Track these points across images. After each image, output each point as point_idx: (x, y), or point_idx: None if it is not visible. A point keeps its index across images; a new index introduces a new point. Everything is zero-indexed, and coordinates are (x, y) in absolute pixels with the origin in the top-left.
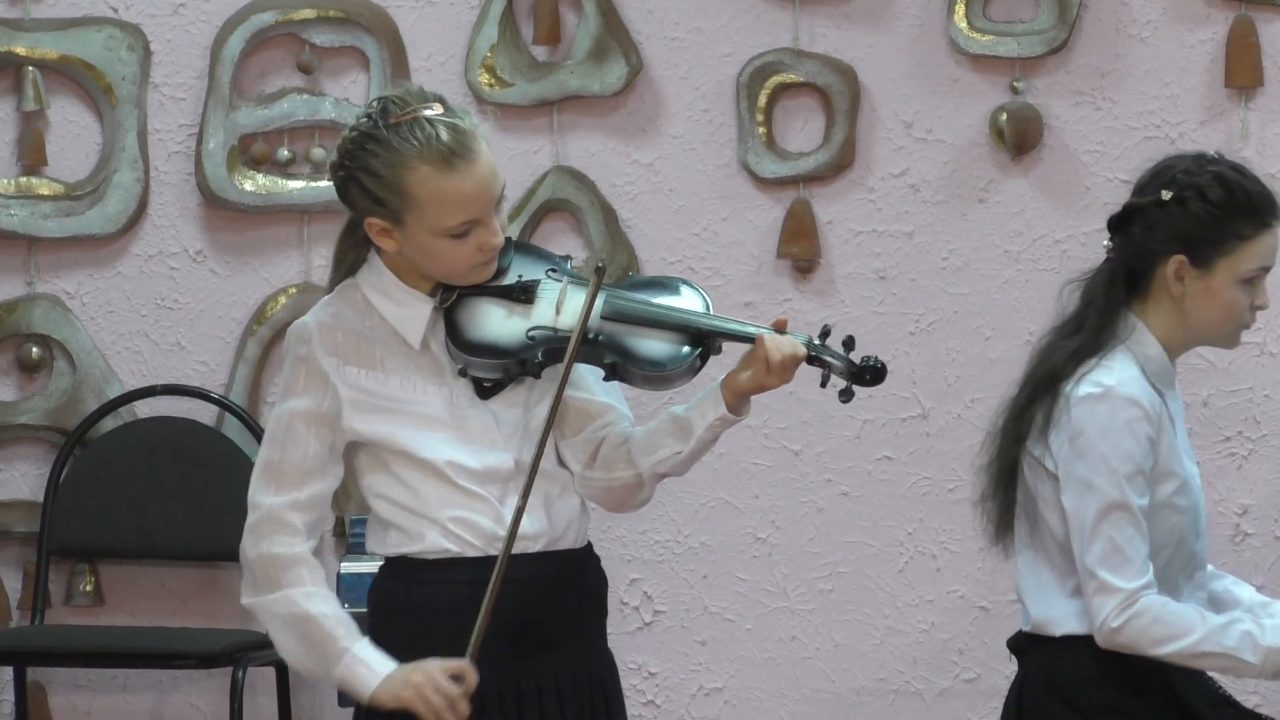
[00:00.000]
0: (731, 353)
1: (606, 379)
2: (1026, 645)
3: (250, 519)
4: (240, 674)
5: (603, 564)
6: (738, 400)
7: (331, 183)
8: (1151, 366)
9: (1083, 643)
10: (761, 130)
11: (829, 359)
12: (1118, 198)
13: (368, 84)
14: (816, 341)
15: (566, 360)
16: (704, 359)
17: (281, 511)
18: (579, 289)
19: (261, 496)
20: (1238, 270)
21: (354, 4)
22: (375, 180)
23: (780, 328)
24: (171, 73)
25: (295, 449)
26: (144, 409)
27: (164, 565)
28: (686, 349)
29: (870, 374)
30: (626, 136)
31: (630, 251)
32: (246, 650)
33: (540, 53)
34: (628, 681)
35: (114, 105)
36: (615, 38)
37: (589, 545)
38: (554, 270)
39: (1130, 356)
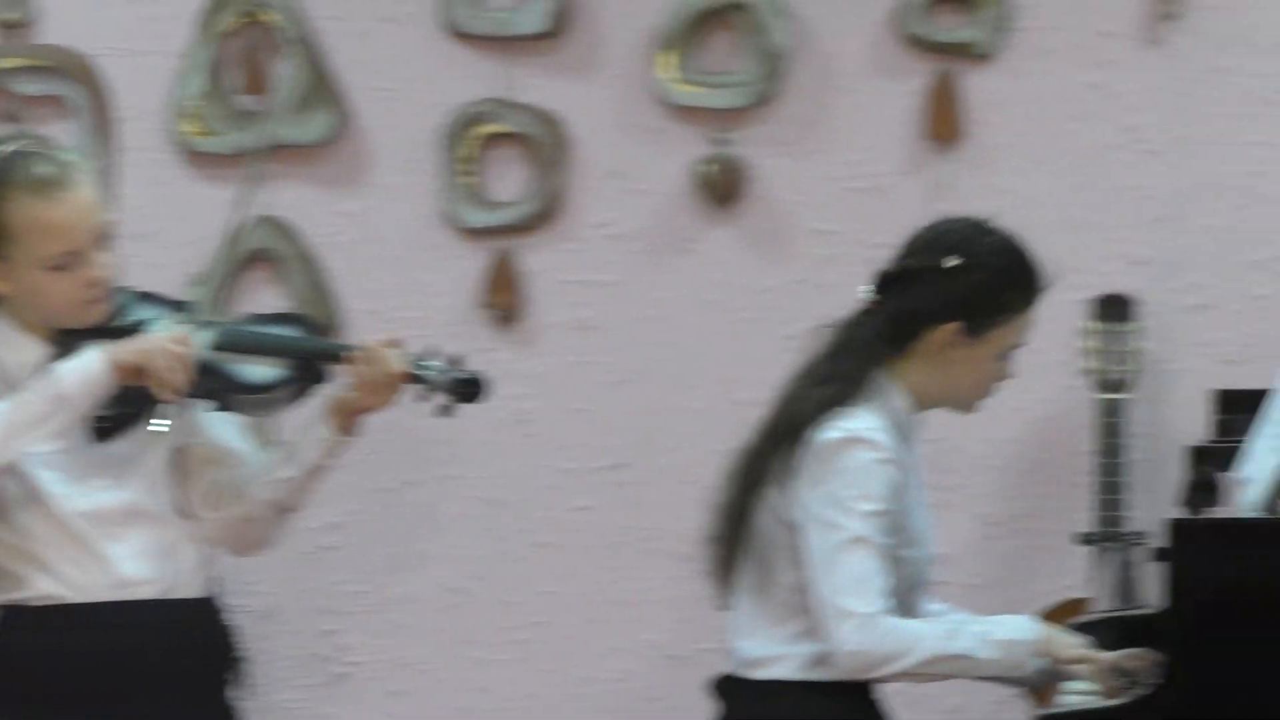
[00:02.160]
0: None
1: (217, 409)
2: (730, 688)
3: None
4: None
5: (295, 614)
6: (345, 420)
7: None
8: (897, 418)
9: (791, 688)
10: (468, 180)
11: (428, 375)
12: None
13: (72, 133)
14: (421, 359)
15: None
16: (312, 383)
17: None
18: (188, 327)
19: None
20: (1004, 343)
21: (59, 53)
22: None
23: (390, 345)
24: None
25: None
26: None
27: None
28: (289, 373)
29: (471, 389)
30: (333, 186)
31: (334, 301)
32: None
33: (247, 102)
34: None
35: None
36: (322, 87)
37: (213, 596)
38: (167, 314)
39: (878, 410)
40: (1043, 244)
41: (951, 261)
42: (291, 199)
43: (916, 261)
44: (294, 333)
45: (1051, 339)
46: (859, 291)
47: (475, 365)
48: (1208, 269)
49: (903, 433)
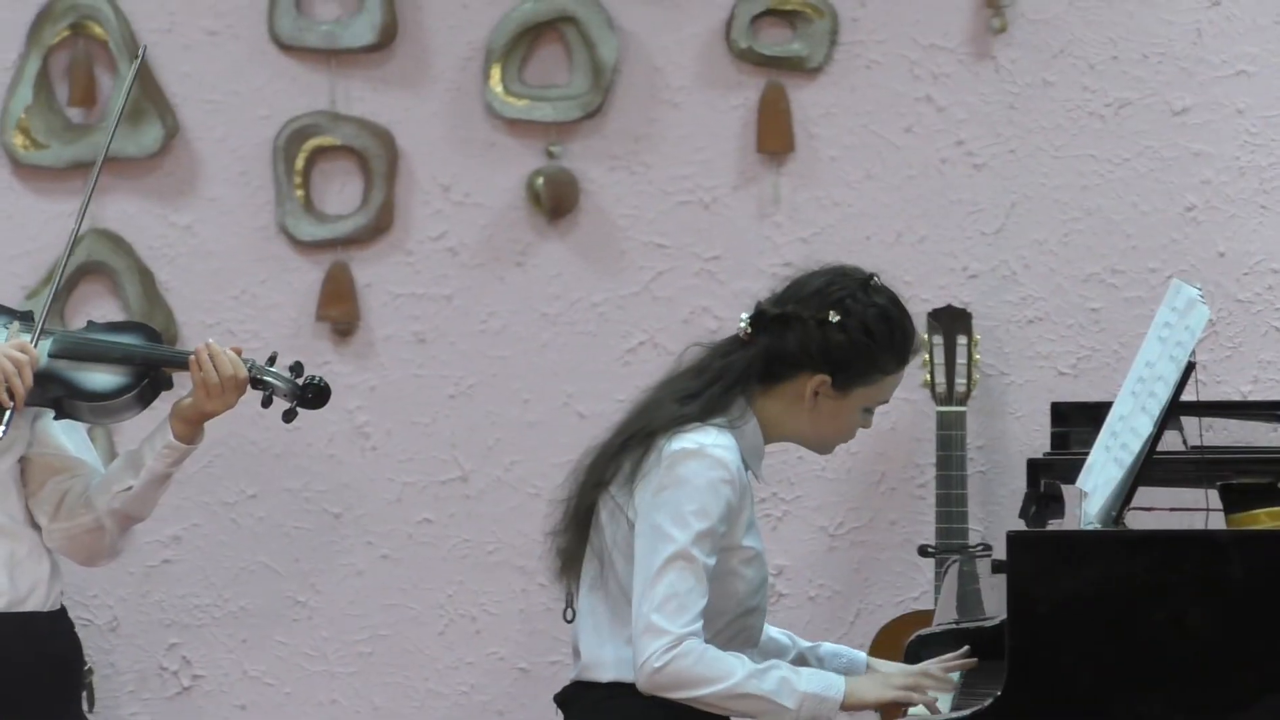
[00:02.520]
0: None
1: (57, 416)
2: (573, 695)
3: None
4: None
5: (139, 627)
6: (187, 428)
7: None
8: (747, 446)
9: (628, 690)
10: (299, 193)
11: (271, 380)
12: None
13: None
14: (262, 364)
15: None
16: (154, 390)
17: None
18: (28, 334)
19: None
20: (868, 399)
21: None
22: None
23: (234, 350)
24: None
25: None
26: None
27: None
28: (130, 380)
29: (313, 393)
30: (164, 199)
31: (168, 314)
32: None
33: (76, 115)
34: None
35: None
36: (151, 100)
37: (61, 609)
38: (9, 321)
39: (730, 434)
40: (877, 257)
41: (834, 317)
42: (122, 211)
43: (798, 309)
44: (135, 340)
45: None
46: (739, 319)
47: (319, 377)
48: (1041, 282)
49: (752, 456)
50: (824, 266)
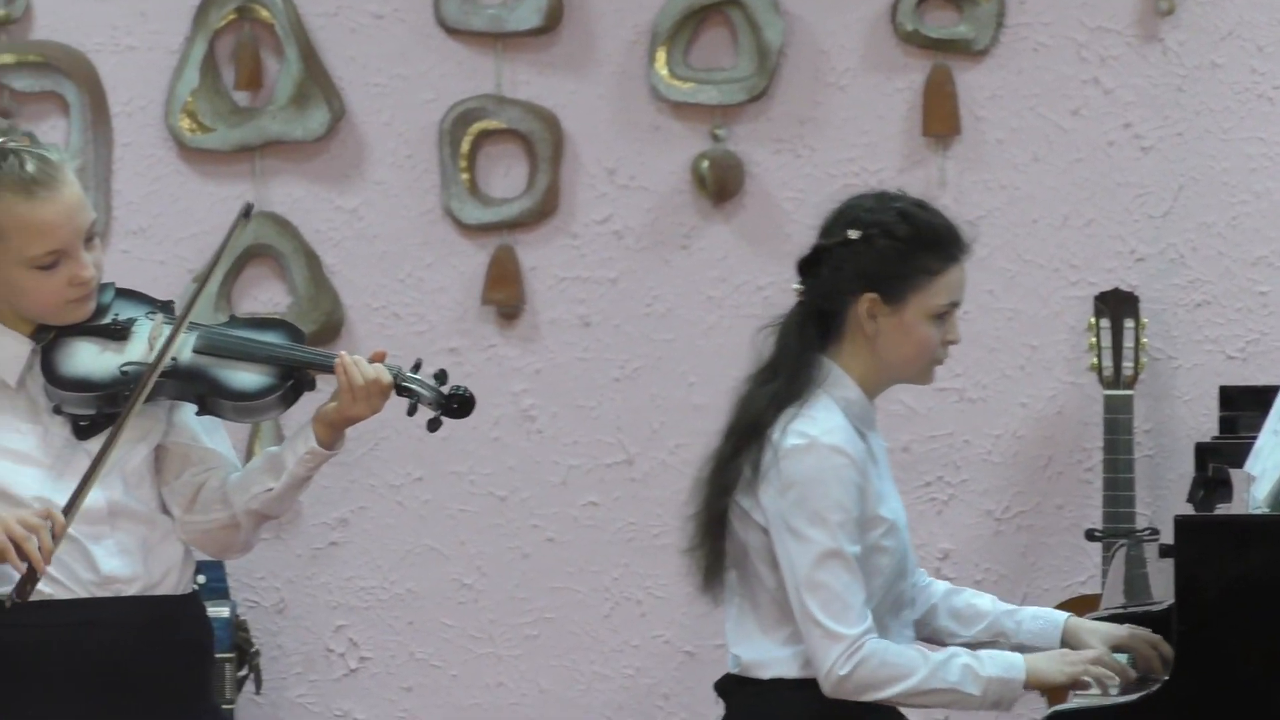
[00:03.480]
0: None
1: (199, 413)
2: (733, 687)
3: None
4: None
5: (307, 610)
6: (329, 433)
7: None
8: (852, 410)
9: (790, 685)
10: (465, 176)
11: (416, 388)
12: None
13: (68, 129)
14: (407, 372)
15: (138, 390)
16: (296, 392)
17: None
18: (169, 326)
19: None
20: (928, 306)
21: (53, 49)
22: None
23: (377, 359)
24: None
25: None
26: None
27: None
28: (274, 380)
29: (458, 403)
30: (329, 182)
31: (334, 298)
32: None
33: (242, 98)
34: None
35: None
36: (317, 83)
37: (193, 593)
38: (153, 312)
39: (831, 401)
40: (1044, 240)
41: (853, 234)
42: (289, 195)
43: (824, 240)
44: (279, 339)
45: (1056, 336)
46: (793, 286)
47: (479, 362)
48: (1209, 265)
49: (862, 422)
50: (846, 197)
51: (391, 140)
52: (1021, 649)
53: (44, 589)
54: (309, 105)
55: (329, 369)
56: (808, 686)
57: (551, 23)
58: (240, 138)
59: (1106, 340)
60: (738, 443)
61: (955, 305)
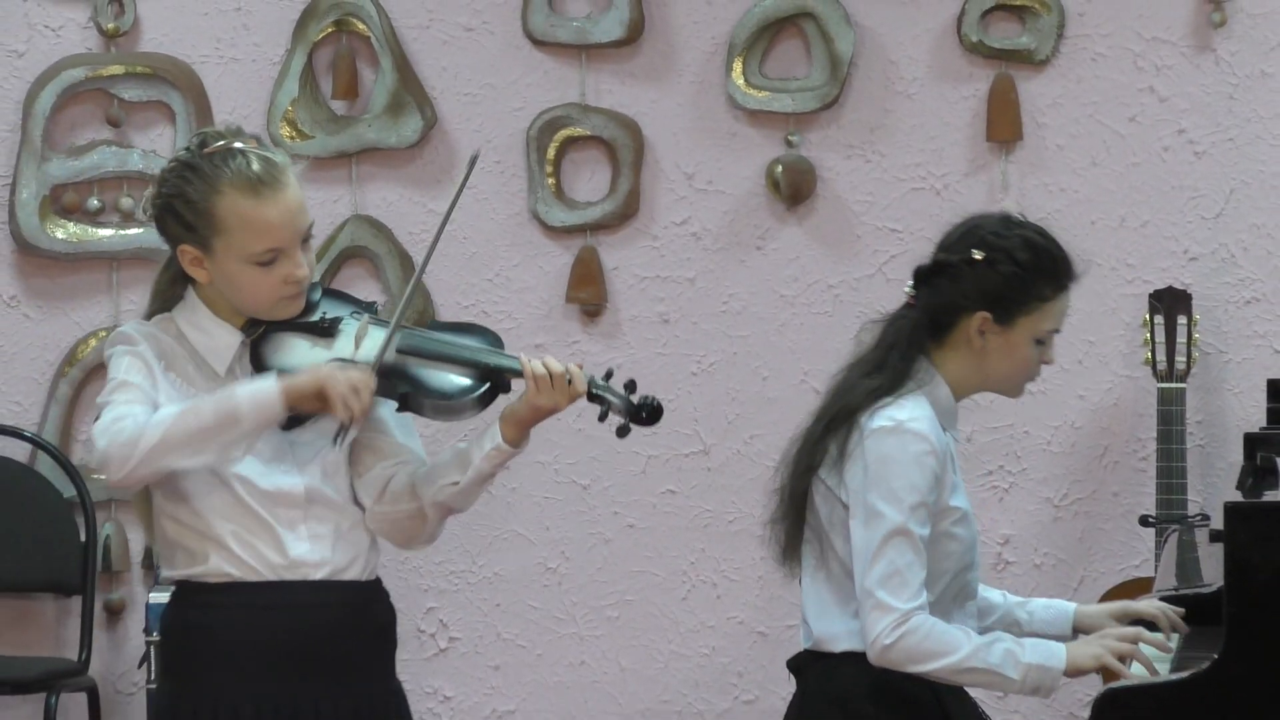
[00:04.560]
0: None
1: (399, 409)
2: (806, 663)
3: (102, 420)
4: (53, 700)
5: (399, 593)
6: (516, 431)
7: (140, 230)
8: (940, 407)
9: (860, 659)
10: (550, 181)
11: (608, 396)
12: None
13: (174, 137)
14: (599, 380)
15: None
16: (493, 394)
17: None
18: (379, 328)
19: (109, 397)
20: (1036, 329)
21: (160, 60)
22: (188, 206)
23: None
24: None
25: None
26: None
27: None
28: (473, 382)
29: (647, 412)
30: (422, 187)
31: (426, 296)
32: (59, 677)
33: (339, 107)
34: (424, 705)
35: None
36: (411, 93)
37: (377, 580)
38: (358, 312)
39: (924, 398)
40: (1101, 240)
41: (978, 255)
42: (383, 199)
43: (947, 256)
44: (479, 343)
45: (1113, 331)
46: (904, 288)
47: (563, 358)
48: (1259, 264)
49: (946, 419)
50: (970, 215)
51: (481, 147)
52: (1035, 637)
53: (232, 571)
54: (403, 114)
55: (522, 373)
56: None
57: (633, 35)
58: (338, 145)
59: (1160, 336)
60: (829, 424)
61: (1057, 331)
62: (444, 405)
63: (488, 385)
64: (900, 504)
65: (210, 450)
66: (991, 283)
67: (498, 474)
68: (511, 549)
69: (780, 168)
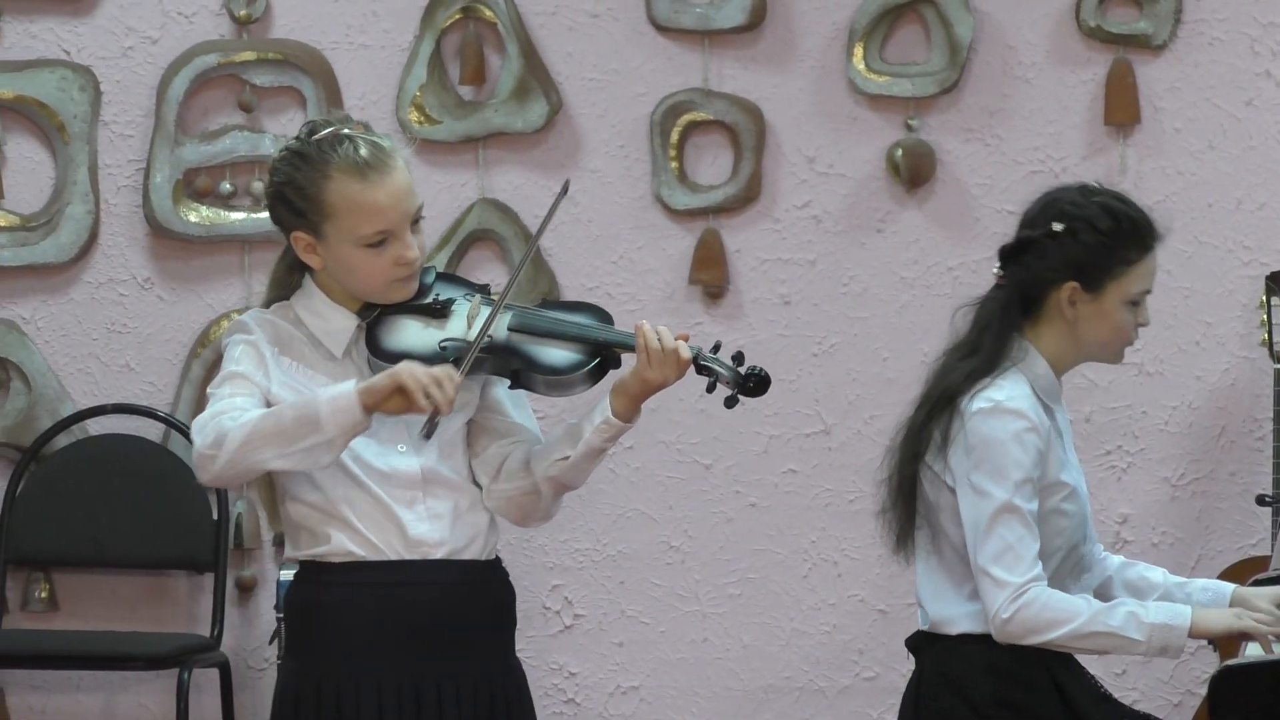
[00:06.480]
0: None
1: (512, 386)
2: (923, 643)
3: (202, 415)
4: (186, 675)
5: (525, 571)
6: (627, 405)
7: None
8: (1040, 384)
9: (976, 640)
10: (674, 165)
11: (716, 367)
12: (1006, 228)
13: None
14: (707, 352)
15: (470, 354)
16: (603, 369)
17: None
18: (487, 306)
19: (216, 389)
20: (1125, 293)
21: (292, 47)
22: (297, 193)
23: (680, 339)
24: (120, 111)
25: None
26: (95, 427)
27: (114, 573)
28: (584, 357)
29: (754, 382)
30: (547, 171)
31: (551, 278)
32: (192, 653)
33: (466, 92)
34: (549, 681)
35: (66, 142)
36: (536, 78)
37: (497, 559)
38: (470, 294)
39: (1021, 376)
40: (1218, 223)
41: (1059, 226)
42: (509, 182)
43: (1029, 232)
44: (587, 319)
45: (1229, 313)
46: (992, 269)
47: (698, 341)
48: None
49: (1048, 393)
50: (1047, 189)
51: (605, 131)
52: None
53: (356, 550)
54: (529, 99)
55: (633, 347)
56: (994, 642)
57: (756, 20)
58: (465, 129)
59: (1277, 317)
60: (930, 410)
61: (1148, 291)
62: (555, 380)
63: (598, 360)
64: (1005, 481)
65: (294, 454)
66: (1075, 252)
67: (609, 449)
68: (635, 527)
69: (900, 151)
